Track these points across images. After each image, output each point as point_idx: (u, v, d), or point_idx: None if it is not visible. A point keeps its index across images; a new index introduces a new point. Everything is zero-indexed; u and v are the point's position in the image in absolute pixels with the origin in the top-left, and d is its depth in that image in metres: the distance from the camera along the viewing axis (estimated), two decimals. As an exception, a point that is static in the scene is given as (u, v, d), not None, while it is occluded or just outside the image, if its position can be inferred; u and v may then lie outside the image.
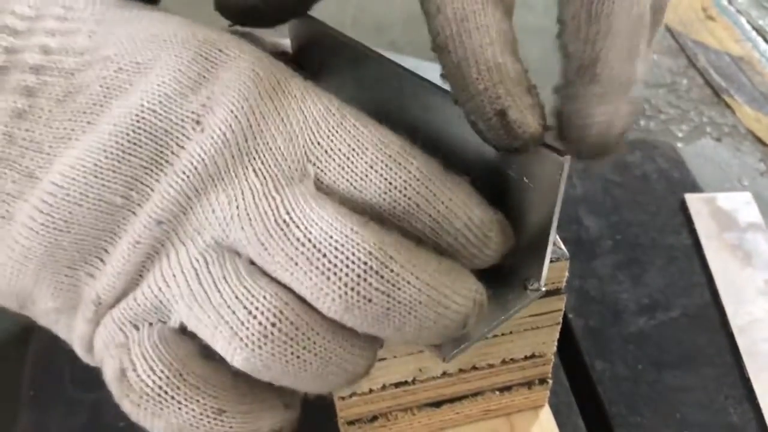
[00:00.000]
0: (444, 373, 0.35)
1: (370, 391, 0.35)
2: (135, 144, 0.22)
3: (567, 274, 0.32)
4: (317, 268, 0.21)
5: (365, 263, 0.21)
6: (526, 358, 0.36)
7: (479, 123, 0.22)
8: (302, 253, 0.21)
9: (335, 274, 0.21)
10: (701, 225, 0.54)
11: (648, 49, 0.25)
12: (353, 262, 0.21)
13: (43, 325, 0.25)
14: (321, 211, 0.21)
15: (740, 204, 0.55)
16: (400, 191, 0.23)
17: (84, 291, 0.24)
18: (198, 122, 0.22)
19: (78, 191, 0.22)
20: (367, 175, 0.22)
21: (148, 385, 0.22)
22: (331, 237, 0.21)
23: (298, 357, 0.21)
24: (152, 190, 0.22)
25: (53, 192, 0.22)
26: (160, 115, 0.22)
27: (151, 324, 0.23)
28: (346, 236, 0.21)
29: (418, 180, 0.23)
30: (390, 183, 0.22)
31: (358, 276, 0.21)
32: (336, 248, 0.21)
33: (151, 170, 0.22)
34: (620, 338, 0.47)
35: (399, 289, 0.21)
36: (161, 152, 0.22)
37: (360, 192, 0.22)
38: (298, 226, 0.21)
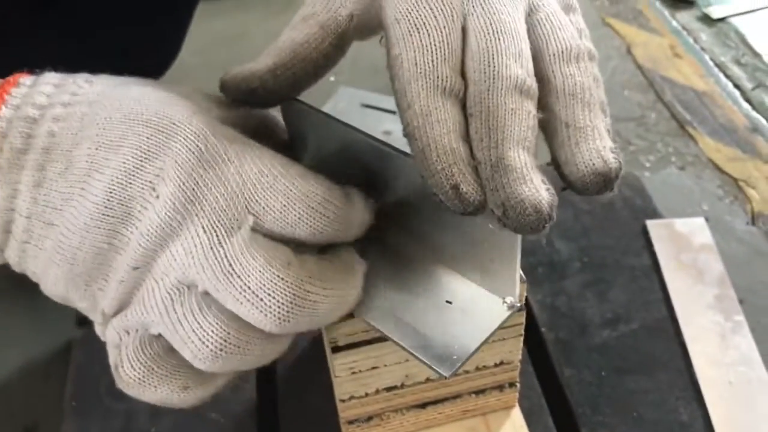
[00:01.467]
0: (427, 379, 0.42)
1: (366, 395, 0.41)
2: (110, 209, 0.30)
3: (525, 294, 0.39)
4: (256, 307, 0.29)
5: (290, 301, 0.29)
6: (496, 365, 0.42)
7: (439, 194, 0.29)
8: (245, 297, 0.29)
9: (270, 311, 0.29)
10: (660, 247, 0.61)
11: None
12: (282, 302, 0.29)
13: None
14: (255, 262, 0.29)
15: (695, 228, 0.62)
16: (320, 234, 0.31)
17: (98, 300, 0.32)
18: (153, 189, 0.29)
19: (77, 240, 0.30)
20: (296, 224, 0.30)
21: (131, 376, 0.31)
22: (264, 285, 0.29)
23: (240, 361, 0.31)
24: (129, 239, 0.30)
25: (62, 240, 0.30)
26: (125, 185, 0.29)
27: (137, 330, 0.31)
28: (275, 283, 0.29)
29: (334, 222, 0.31)
30: (313, 228, 0.31)
31: (287, 310, 0.29)
32: (268, 294, 0.29)
33: (126, 226, 0.30)
34: (586, 348, 0.54)
35: (316, 308, 0.30)
36: (130, 213, 0.30)
37: (291, 233, 0.30)
38: (239, 276, 0.29)
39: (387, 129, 0.75)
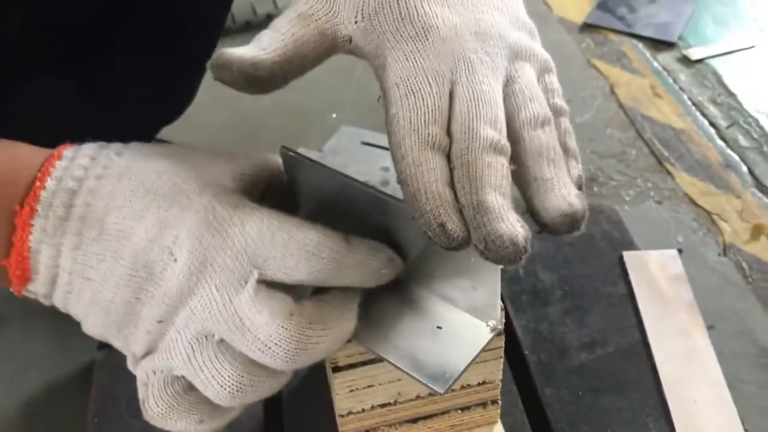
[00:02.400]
0: (417, 396, 0.47)
1: (363, 410, 0.46)
2: (135, 270, 0.35)
3: (503, 319, 0.44)
4: (266, 354, 0.34)
5: (294, 347, 0.34)
6: (479, 384, 0.47)
7: (428, 231, 0.34)
8: (256, 347, 0.34)
9: (278, 356, 0.34)
10: (635, 277, 0.66)
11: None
12: (287, 349, 0.34)
13: None
14: (261, 316, 0.34)
15: (668, 259, 0.67)
16: (318, 274, 0.35)
17: (129, 343, 0.37)
18: (171, 253, 0.34)
19: (110, 295, 0.35)
20: (295, 269, 0.35)
21: (155, 411, 0.36)
22: (271, 336, 0.34)
23: (253, 396, 0.36)
24: (154, 294, 0.35)
25: (97, 293, 0.36)
26: (148, 251, 0.34)
27: (162, 371, 0.36)
28: (280, 334, 0.34)
29: (329, 263, 0.36)
30: (310, 271, 0.35)
31: (292, 355, 0.34)
32: (275, 343, 0.34)
33: (150, 284, 0.35)
34: (565, 370, 0.59)
35: (316, 349, 0.35)
36: (153, 273, 0.35)
37: (291, 277, 0.35)
38: (249, 329, 0.34)
39: (385, 165, 0.80)
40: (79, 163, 0.36)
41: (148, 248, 0.35)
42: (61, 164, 0.36)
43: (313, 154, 0.78)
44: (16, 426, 0.65)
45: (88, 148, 0.37)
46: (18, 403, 0.66)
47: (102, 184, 0.36)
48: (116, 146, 0.38)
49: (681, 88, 0.99)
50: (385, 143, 0.88)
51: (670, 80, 1.01)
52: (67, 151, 0.37)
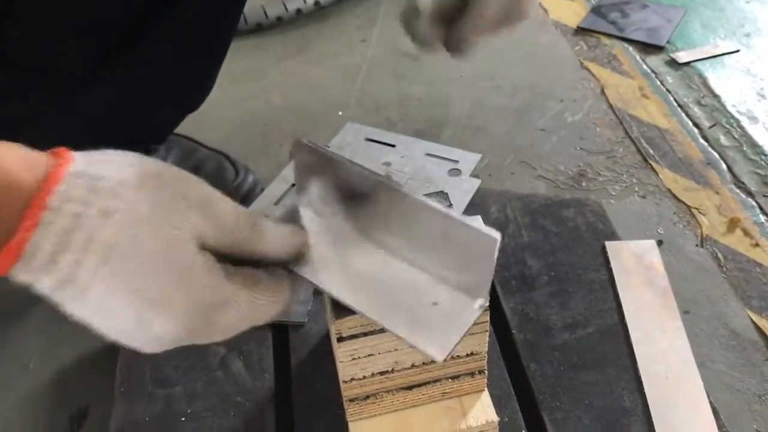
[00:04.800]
0: (413, 365, 0.52)
1: (364, 377, 0.52)
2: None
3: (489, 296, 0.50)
4: None
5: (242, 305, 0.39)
6: (467, 355, 0.53)
7: None
8: None
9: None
10: (615, 265, 0.71)
11: None
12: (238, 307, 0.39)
13: None
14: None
15: (646, 249, 0.73)
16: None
17: None
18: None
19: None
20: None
21: None
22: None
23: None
24: None
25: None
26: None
27: None
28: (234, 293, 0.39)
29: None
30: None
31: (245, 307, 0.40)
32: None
33: None
34: (549, 347, 0.65)
35: (260, 307, 0.40)
36: None
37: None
38: None
39: (387, 160, 0.85)
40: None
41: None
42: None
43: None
44: (50, 396, 0.71)
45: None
46: (50, 377, 0.72)
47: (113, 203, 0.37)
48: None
49: (668, 90, 1.04)
50: (388, 140, 0.96)
51: (658, 82, 1.06)
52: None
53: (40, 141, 0.37)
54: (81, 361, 0.72)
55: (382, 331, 0.48)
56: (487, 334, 0.52)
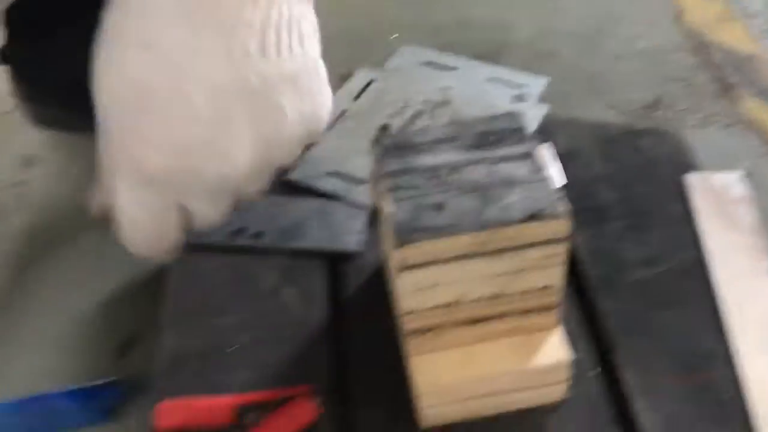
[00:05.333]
0: (479, 298, 0.48)
1: (425, 309, 0.48)
2: None
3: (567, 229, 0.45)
4: None
5: None
6: (539, 289, 0.48)
7: None
8: None
9: None
10: (697, 198, 0.65)
11: None
12: None
13: None
14: None
15: (732, 181, 0.67)
16: None
17: None
18: None
19: None
20: None
21: None
22: None
23: None
24: None
25: None
26: None
27: None
28: None
29: None
30: None
31: None
32: None
33: None
34: (624, 285, 0.60)
35: None
36: None
37: None
38: None
39: (445, 85, 0.80)
40: None
41: None
42: None
43: (375, 74, 0.79)
44: (95, 324, 0.69)
45: None
46: (95, 305, 0.71)
47: None
48: None
49: (752, 13, 0.96)
50: (447, 62, 0.90)
51: (743, 4, 0.98)
52: None
53: None
54: (129, 288, 0.70)
55: (449, 260, 0.44)
56: (564, 266, 0.48)
